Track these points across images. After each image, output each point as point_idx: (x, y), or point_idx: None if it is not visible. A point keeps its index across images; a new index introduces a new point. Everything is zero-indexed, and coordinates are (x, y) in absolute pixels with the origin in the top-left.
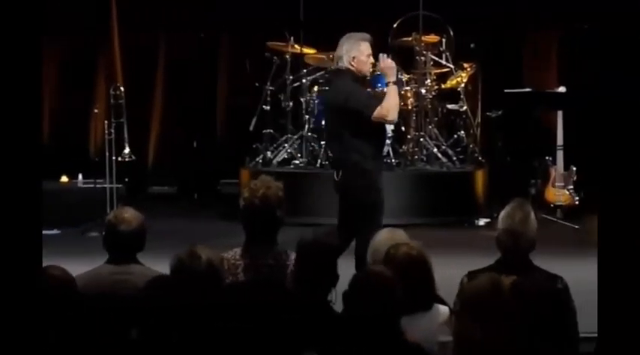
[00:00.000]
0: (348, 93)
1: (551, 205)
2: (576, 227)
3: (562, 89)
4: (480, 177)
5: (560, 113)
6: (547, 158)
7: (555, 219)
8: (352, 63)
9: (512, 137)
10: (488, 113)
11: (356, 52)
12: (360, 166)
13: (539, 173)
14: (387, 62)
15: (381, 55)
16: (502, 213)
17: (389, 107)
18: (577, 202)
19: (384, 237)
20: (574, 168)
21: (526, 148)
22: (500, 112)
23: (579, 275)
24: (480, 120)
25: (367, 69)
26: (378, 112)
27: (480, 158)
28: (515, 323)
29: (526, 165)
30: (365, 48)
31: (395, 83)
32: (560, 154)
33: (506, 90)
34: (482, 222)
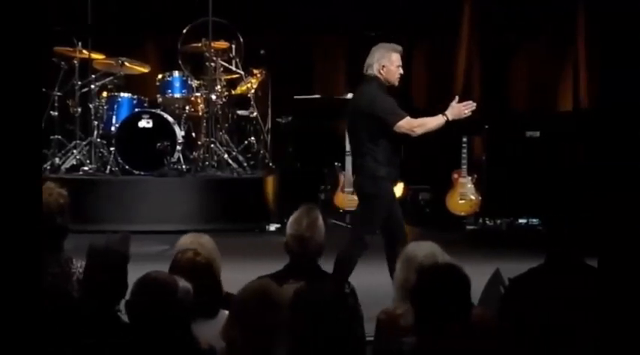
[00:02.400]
0: (373, 99)
1: (341, 210)
2: None
3: (350, 95)
4: (270, 182)
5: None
6: (336, 164)
7: (344, 225)
8: (381, 71)
9: (302, 143)
10: (278, 119)
11: (386, 61)
12: (373, 172)
13: (328, 178)
14: (455, 108)
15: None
16: (290, 219)
17: (422, 124)
18: None
19: (190, 242)
20: None
21: (316, 154)
22: (290, 118)
23: (366, 279)
24: (270, 126)
25: (395, 78)
26: (406, 122)
27: (270, 164)
28: (293, 328)
29: (316, 171)
30: (396, 58)
31: (447, 120)
32: (348, 160)
33: (295, 97)
34: (272, 227)
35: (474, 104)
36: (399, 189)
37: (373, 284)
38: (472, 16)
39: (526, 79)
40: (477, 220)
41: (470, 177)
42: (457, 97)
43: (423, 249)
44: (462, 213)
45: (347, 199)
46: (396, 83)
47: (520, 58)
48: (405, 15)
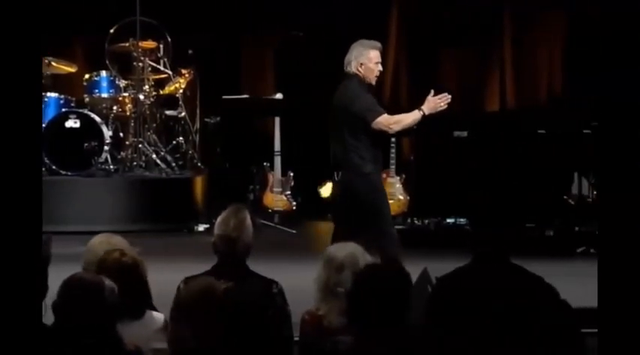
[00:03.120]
0: (354, 96)
1: (270, 210)
2: (293, 231)
3: (279, 95)
4: (199, 183)
5: (277, 119)
6: (265, 164)
7: (273, 224)
8: (359, 69)
9: (231, 143)
10: (206, 119)
11: (364, 58)
12: (359, 168)
13: (257, 178)
14: (431, 102)
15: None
16: (218, 219)
17: (399, 121)
18: (294, 207)
19: (99, 242)
20: (291, 174)
21: (244, 154)
22: (218, 118)
23: (295, 279)
24: (198, 126)
25: (373, 76)
26: (384, 119)
27: (198, 164)
28: (229, 328)
29: (244, 171)
30: (374, 56)
31: (424, 115)
32: (277, 160)
33: (224, 97)
34: (201, 227)
35: (450, 96)
36: (327, 190)
37: (302, 284)
38: (400, 18)
39: (454, 81)
40: (405, 220)
41: (398, 177)
42: (432, 91)
43: (345, 250)
44: (391, 213)
45: (276, 199)
46: (374, 81)
47: (448, 60)
48: (333, 16)
